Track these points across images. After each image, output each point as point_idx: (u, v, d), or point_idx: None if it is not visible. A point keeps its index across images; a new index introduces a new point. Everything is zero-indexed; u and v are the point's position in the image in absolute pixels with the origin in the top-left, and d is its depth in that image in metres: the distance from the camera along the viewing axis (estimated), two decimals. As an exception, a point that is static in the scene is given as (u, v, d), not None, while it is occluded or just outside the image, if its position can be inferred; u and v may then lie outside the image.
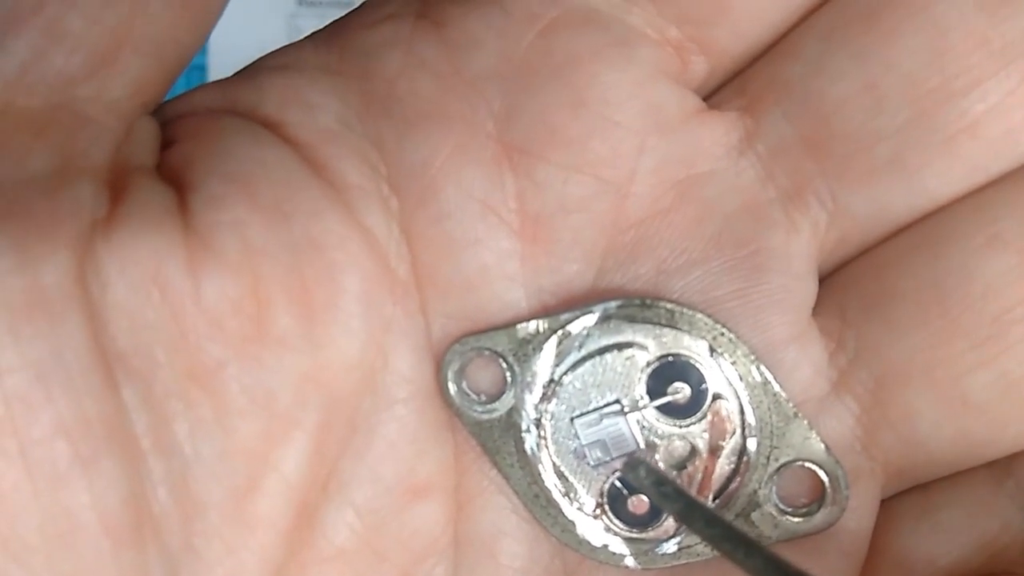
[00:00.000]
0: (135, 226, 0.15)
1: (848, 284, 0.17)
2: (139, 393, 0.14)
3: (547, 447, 0.16)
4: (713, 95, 0.17)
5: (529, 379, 0.16)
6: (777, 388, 0.16)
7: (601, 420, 0.16)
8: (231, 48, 0.18)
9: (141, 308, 0.14)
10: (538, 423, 0.16)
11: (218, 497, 0.15)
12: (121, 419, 0.14)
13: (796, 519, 0.16)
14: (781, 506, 0.16)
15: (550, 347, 0.16)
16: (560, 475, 0.16)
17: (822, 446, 0.16)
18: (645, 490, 0.16)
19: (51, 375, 0.13)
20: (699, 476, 0.16)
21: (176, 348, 0.14)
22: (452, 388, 0.16)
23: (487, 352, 0.16)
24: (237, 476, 0.15)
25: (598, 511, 0.16)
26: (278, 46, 0.18)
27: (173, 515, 0.14)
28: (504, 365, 0.16)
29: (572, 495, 0.16)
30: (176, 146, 0.16)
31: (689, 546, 0.16)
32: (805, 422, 0.16)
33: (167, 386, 0.14)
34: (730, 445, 0.16)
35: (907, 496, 0.17)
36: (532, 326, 0.16)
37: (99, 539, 0.14)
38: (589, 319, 0.16)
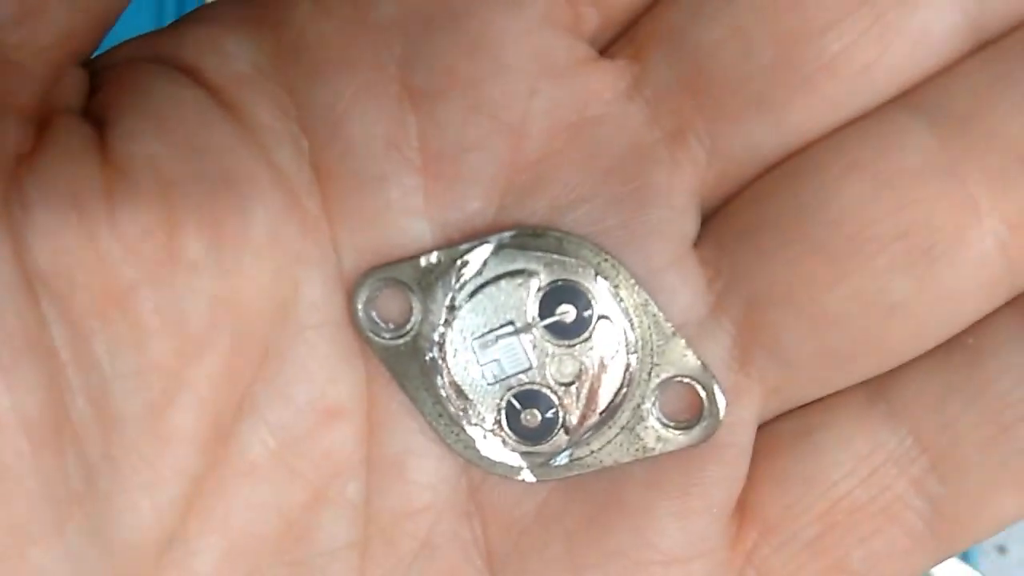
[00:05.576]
0: (57, 158, 0.16)
1: (726, 217, 0.18)
2: (58, 310, 0.15)
3: (448, 369, 0.18)
4: (609, 47, 0.19)
5: (432, 306, 0.18)
6: (655, 309, 0.17)
7: (497, 341, 0.17)
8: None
9: (61, 231, 0.15)
10: (440, 347, 0.18)
11: (135, 411, 0.16)
12: (40, 332, 0.15)
13: (677, 432, 0.18)
14: (663, 420, 0.18)
15: (451, 276, 0.17)
16: (461, 394, 0.18)
17: (698, 362, 0.17)
18: None
19: None
20: (586, 391, 0.17)
21: (93, 270, 0.15)
22: (362, 316, 0.17)
23: (394, 282, 0.17)
24: (152, 391, 0.16)
25: (495, 427, 0.18)
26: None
27: (91, 425, 0.15)
28: (410, 294, 0.18)
29: (472, 412, 0.18)
30: (100, 92, 0.17)
31: (580, 458, 0.18)
32: (682, 340, 0.17)
33: (85, 305, 0.15)
34: (615, 363, 0.17)
35: (787, 418, 0.18)
36: (434, 257, 0.17)
37: (19, 440, 0.15)
38: (486, 249, 0.17)
